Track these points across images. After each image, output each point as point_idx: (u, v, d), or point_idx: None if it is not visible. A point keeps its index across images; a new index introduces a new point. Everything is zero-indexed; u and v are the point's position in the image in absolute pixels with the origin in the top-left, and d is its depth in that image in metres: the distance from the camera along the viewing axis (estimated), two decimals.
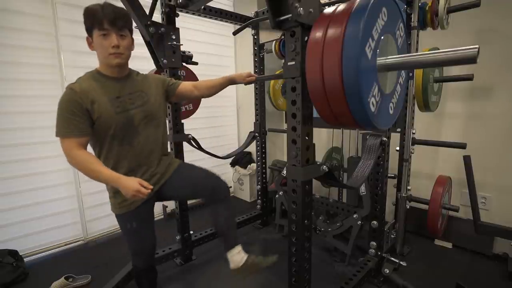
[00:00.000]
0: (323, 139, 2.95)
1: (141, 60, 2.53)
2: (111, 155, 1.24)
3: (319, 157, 2.64)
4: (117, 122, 1.19)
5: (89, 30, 1.16)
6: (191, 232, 2.12)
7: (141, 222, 1.31)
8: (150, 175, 1.31)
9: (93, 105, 1.14)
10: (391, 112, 1.09)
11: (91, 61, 2.35)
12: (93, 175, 1.14)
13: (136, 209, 1.27)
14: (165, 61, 1.75)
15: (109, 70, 1.22)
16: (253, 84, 2.58)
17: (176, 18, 1.83)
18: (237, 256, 1.38)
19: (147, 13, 1.65)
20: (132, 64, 2.75)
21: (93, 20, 1.11)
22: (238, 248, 1.41)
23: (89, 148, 1.23)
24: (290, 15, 0.99)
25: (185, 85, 1.50)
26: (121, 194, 1.20)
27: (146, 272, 1.45)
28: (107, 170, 1.14)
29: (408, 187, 2.02)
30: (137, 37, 1.81)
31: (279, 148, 3.37)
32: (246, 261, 1.37)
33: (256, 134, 2.56)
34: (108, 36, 1.13)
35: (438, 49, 1.09)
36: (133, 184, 1.11)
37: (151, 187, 1.15)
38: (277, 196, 2.51)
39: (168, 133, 1.94)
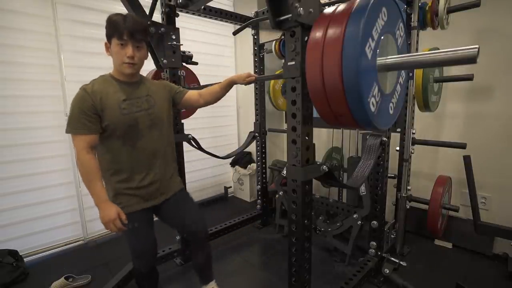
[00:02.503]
0: (323, 139, 2.95)
1: None
2: (116, 158, 1.28)
3: (319, 157, 2.64)
4: (123, 123, 1.24)
5: (108, 37, 1.23)
6: None
7: (139, 223, 1.33)
8: (149, 181, 1.33)
9: (102, 105, 1.21)
10: (391, 112, 1.09)
11: (91, 61, 2.38)
12: (88, 184, 1.20)
13: (133, 213, 1.30)
14: (165, 61, 1.75)
15: (121, 76, 1.29)
16: (253, 84, 2.58)
17: (176, 18, 1.83)
18: None
19: (147, 13, 1.65)
20: None
21: (114, 29, 1.19)
22: (213, 284, 1.61)
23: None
24: (290, 15, 0.99)
25: (191, 94, 1.52)
26: (120, 198, 1.29)
27: (148, 274, 1.45)
28: (100, 188, 1.20)
29: (408, 187, 2.02)
30: None
31: (279, 148, 3.37)
32: None
33: (256, 134, 2.56)
34: (125, 46, 1.21)
35: (438, 49, 1.09)
36: (109, 214, 1.16)
37: (121, 227, 1.18)
38: (277, 196, 2.51)
39: None
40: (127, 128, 1.25)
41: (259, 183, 2.69)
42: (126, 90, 1.28)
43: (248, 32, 2.51)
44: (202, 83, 2.34)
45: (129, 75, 1.27)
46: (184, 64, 1.91)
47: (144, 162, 1.32)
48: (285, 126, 2.72)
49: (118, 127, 1.23)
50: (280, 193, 2.48)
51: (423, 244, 2.29)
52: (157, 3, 1.74)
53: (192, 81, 2.29)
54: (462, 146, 1.83)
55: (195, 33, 3.00)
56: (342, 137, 2.62)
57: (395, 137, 1.96)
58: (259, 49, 2.48)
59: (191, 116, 2.43)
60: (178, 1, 1.75)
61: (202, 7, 2.00)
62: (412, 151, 1.95)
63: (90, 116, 1.19)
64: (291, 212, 1.20)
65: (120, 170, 1.28)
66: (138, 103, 1.30)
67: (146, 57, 1.32)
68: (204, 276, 1.60)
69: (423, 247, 2.24)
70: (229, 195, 3.49)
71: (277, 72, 2.66)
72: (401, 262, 1.85)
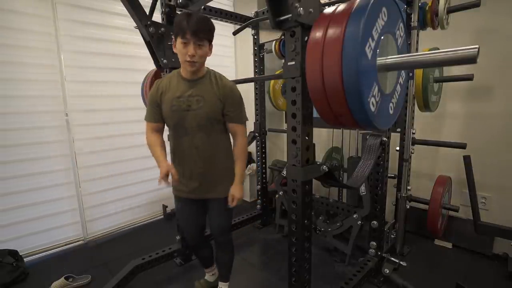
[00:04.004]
0: (323, 139, 2.95)
1: (141, 60, 2.54)
2: (172, 145, 1.46)
3: (319, 157, 2.64)
4: (171, 118, 1.38)
5: (175, 36, 1.30)
6: None
7: (182, 207, 1.54)
8: (189, 177, 1.43)
9: (161, 99, 1.39)
10: (391, 112, 1.09)
11: (91, 61, 2.38)
12: (151, 152, 1.42)
13: (179, 197, 1.51)
14: (165, 61, 1.75)
15: (185, 72, 1.38)
16: (253, 84, 2.58)
17: None
18: None
19: (147, 13, 1.65)
20: (133, 64, 2.74)
21: (179, 28, 1.25)
22: (224, 285, 1.68)
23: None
24: (290, 15, 0.99)
25: (234, 129, 1.44)
26: (174, 180, 1.43)
27: (194, 248, 1.69)
28: (159, 153, 1.40)
29: (408, 187, 2.02)
30: (137, 37, 1.82)
31: (279, 148, 3.37)
32: None
33: (256, 134, 2.56)
34: (187, 45, 1.26)
35: (438, 49, 1.09)
36: (162, 169, 1.32)
37: (168, 182, 1.32)
38: (277, 196, 2.51)
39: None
40: (175, 124, 1.38)
41: (259, 183, 2.69)
42: (183, 87, 1.37)
43: (248, 32, 2.51)
44: None
45: (191, 72, 1.35)
46: None
47: (186, 159, 1.41)
48: (285, 126, 2.72)
49: (167, 121, 1.40)
50: (280, 193, 2.48)
51: (423, 244, 2.29)
52: (157, 3, 1.74)
53: None
54: (462, 146, 1.83)
55: None
56: (342, 137, 2.62)
57: (395, 137, 1.96)
58: (259, 49, 2.48)
59: None
60: (178, 1, 1.75)
61: (202, 7, 2.00)
62: (412, 151, 1.95)
63: (155, 108, 1.40)
64: (291, 212, 1.20)
65: (174, 157, 1.46)
66: (189, 101, 1.35)
67: (208, 54, 1.37)
68: (220, 274, 1.70)
69: (423, 247, 2.24)
70: None
71: (277, 72, 2.66)
72: (401, 262, 1.85)
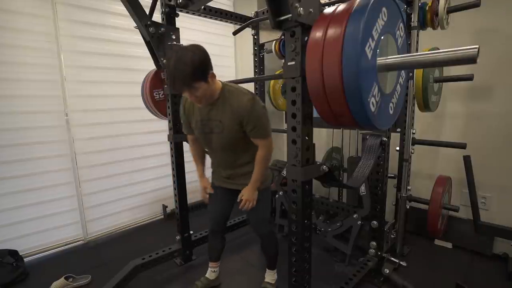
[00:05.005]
0: (323, 139, 2.95)
1: (141, 60, 2.54)
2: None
3: (319, 157, 2.63)
4: (200, 138, 1.54)
5: None
6: (191, 232, 2.12)
7: (215, 193, 1.68)
8: (220, 175, 1.63)
9: (188, 120, 1.54)
10: (391, 112, 1.09)
11: (91, 61, 2.38)
12: (195, 164, 1.69)
13: (214, 186, 1.68)
14: (165, 61, 1.75)
15: None
16: (253, 84, 2.59)
17: (176, 18, 1.83)
18: (267, 277, 1.80)
19: (147, 13, 1.65)
20: (133, 64, 2.73)
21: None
22: (270, 273, 1.79)
23: None
24: (290, 15, 0.99)
25: (256, 142, 1.47)
26: (213, 174, 1.69)
27: (212, 235, 1.77)
28: (199, 167, 1.69)
29: (408, 187, 2.01)
30: (137, 37, 1.82)
31: (279, 148, 3.36)
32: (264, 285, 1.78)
33: None
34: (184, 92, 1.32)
35: (438, 49, 1.09)
36: (201, 185, 1.68)
37: (207, 194, 1.67)
38: (277, 196, 2.51)
39: (168, 133, 1.95)
40: (203, 143, 1.55)
41: None
42: (202, 111, 1.45)
43: (248, 32, 2.51)
44: None
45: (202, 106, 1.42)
46: None
47: (217, 163, 1.61)
48: (285, 126, 2.72)
49: (198, 139, 1.57)
50: (280, 193, 2.48)
51: (423, 244, 2.29)
52: (157, 3, 1.74)
53: None
54: (462, 146, 1.83)
55: (195, 33, 3.00)
56: (342, 137, 2.62)
57: (395, 137, 1.96)
58: (259, 49, 2.48)
59: None
60: (178, 1, 1.75)
61: (202, 7, 2.00)
62: (412, 151, 1.95)
63: (185, 121, 1.57)
64: (291, 212, 1.20)
65: (211, 161, 1.66)
66: (211, 125, 1.45)
67: (211, 86, 1.32)
68: (267, 263, 1.79)
69: (423, 247, 2.24)
70: None
71: (277, 72, 2.66)
72: (401, 262, 1.84)
